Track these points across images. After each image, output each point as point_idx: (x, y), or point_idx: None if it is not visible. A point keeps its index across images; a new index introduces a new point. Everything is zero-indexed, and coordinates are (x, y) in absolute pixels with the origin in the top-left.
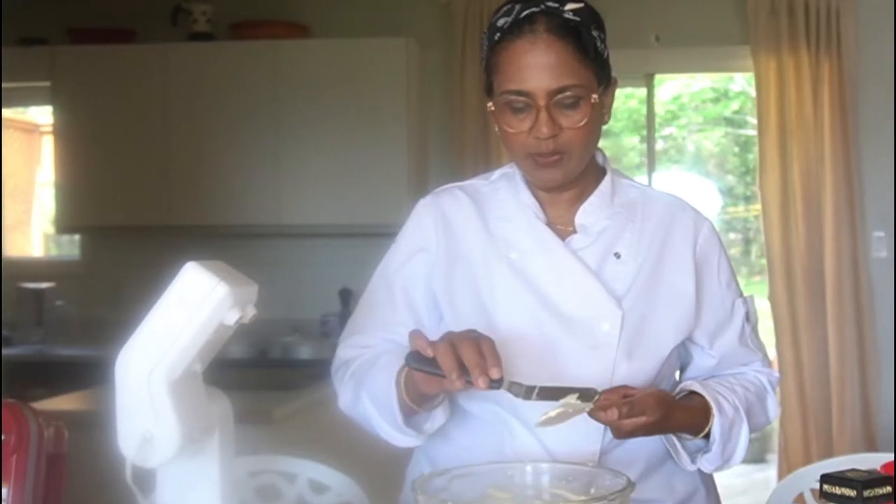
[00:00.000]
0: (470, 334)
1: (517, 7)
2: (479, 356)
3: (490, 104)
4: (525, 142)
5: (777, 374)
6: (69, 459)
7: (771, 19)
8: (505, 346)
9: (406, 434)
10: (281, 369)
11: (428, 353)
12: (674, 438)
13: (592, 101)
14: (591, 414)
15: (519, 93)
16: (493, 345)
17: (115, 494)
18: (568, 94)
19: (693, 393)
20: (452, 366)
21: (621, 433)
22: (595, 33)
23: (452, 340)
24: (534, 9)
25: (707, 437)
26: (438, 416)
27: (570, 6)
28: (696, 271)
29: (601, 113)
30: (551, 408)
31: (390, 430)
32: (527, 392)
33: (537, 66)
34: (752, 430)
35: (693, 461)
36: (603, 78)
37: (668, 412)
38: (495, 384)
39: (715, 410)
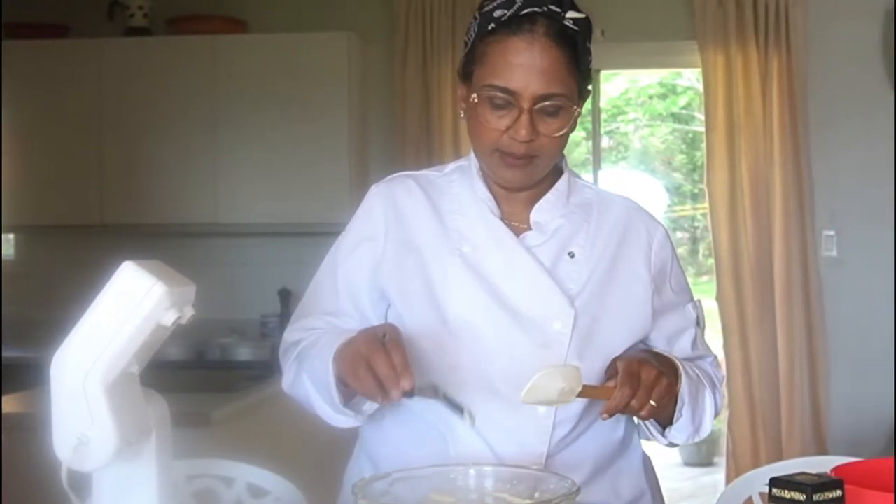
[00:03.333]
0: (377, 342)
1: (518, 2)
2: (391, 369)
3: (473, 97)
4: (497, 139)
5: (723, 375)
6: (4, 462)
7: (718, 14)
8: (456, 339)
9: (345, 415)
10: (219, 371)
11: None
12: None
13: (574, 112)
14: (608, 410)
15: (505, 90)
16: (403, 350)
17: (51, 498)
18: (553, 101)
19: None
20: (376, 390)
21: (648, 408)
22: (588, 46)
23: (365, 358)
24: (535, 9)
25: (673, 407)
26: None
27: (571, 14)
28: (651, 277)
29: (575, 125)
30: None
31: (329, 410)
32: (434, 392)
33: (530, 67)
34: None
35: (664, 435)
36: (584, 93)
37: (652, 365)
38: (408, 394)
39: (681, 370)
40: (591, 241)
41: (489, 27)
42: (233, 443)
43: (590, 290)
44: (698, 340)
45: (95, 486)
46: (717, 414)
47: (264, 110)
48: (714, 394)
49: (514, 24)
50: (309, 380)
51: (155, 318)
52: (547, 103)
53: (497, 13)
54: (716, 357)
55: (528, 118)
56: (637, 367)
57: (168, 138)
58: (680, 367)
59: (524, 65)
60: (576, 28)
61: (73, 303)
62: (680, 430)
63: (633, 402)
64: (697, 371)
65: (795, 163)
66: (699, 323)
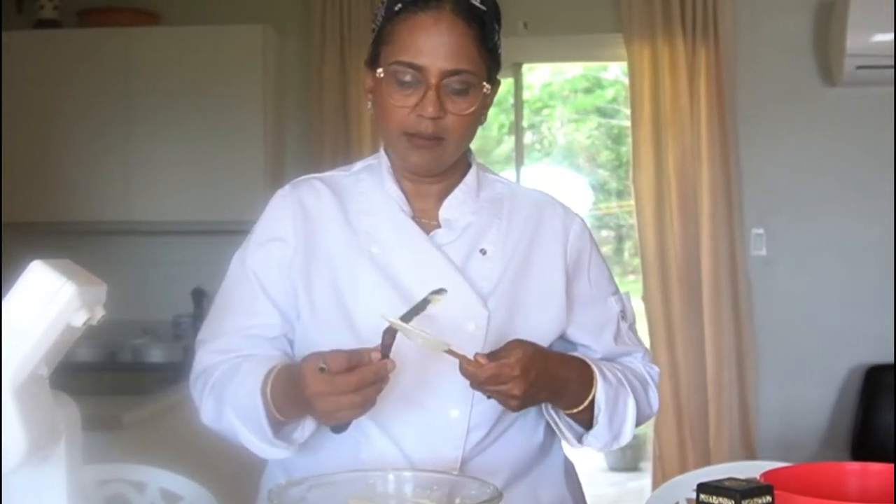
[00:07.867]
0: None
1: None
2: (374, 375)
3: (378, 71)
4: (405, 119)
5: (657, 369)
6: None
7: (645, 5)
8: (366, 344)
9: (276, 447)
10: (131, 373)
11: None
12: (556, 418)
13: (484, 91)
14: (462, 370)
15: (411, 65)
16: (357, 355)
17: None
18: (460, 78)
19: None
20: (361, 404)
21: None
22: (496, 27)
23: (332, 382)
24: None
25: (591, 413)
26: (308, 426)
27: None
28: (566, 270)
29: (485, 108)
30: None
31: (259, 443)
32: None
33: (436, 43)
34: (638, 415)
35: (580, 440)
36: (493, 75)
37: (537, 381)
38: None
39: (598, 376)
40: (504, 237)
41: (396, 7)
42: (145, 447)
43: (503, 288)
44: (624, 334)
45: (4, 492)
46: (650, 415)
47: (177, 105)
48: (647, 395)
49: (420, 2)
50: (233, 413)
51: (65, 318)
52: (454, 78)
53: None
54: (647, 352)
55: (435, 94)
56: (525, 367)
57: (79, 133)
58: (597, 373)
59: (431, 41)
60: (483, 7)
61: None
62: (597, 436)
63: (477, 385)
64: (621, 374)
65: (724, 159)
66: (625, 316)
